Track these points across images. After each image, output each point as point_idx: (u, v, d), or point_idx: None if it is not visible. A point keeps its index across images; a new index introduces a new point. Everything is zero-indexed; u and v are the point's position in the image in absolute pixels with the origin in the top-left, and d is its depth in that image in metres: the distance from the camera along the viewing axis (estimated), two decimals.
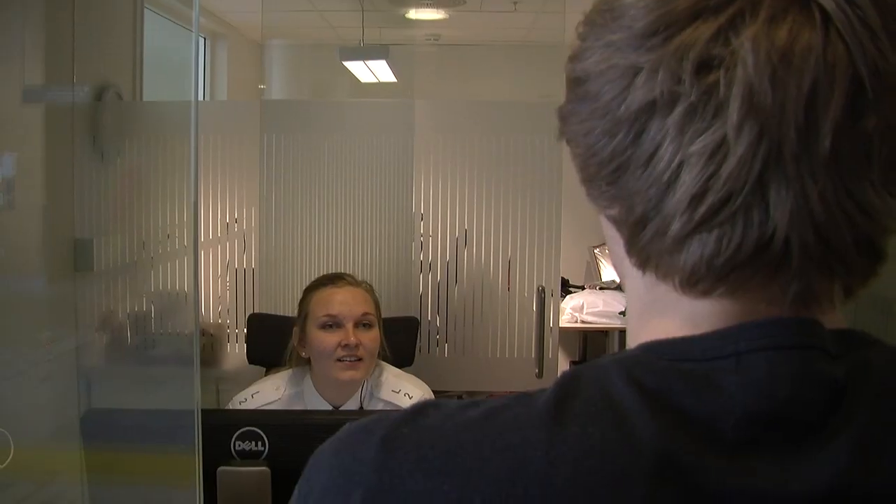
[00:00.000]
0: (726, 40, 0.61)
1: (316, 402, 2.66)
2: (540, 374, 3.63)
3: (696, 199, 0.62)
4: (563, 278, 5.59)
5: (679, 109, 0.62)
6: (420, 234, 3.75)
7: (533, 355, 3.66)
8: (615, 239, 0.73)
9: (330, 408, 2.65)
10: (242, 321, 3.76)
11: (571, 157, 0.74)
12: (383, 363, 2.80)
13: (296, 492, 0.73)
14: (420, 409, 0.70)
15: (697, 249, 0.64)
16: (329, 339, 2.62)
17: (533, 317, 3.66)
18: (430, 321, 3.72)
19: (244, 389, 2.77)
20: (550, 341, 3.67)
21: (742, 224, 0.62)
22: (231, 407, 2.70)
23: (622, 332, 6.26)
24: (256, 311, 3.68)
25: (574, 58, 0.71)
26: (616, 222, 0.70)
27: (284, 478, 1.90)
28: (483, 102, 3.99)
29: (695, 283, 0.66)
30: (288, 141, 3.73)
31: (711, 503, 0.60)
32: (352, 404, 2.66)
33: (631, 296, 0.75)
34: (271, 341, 2.98)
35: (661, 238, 0.65)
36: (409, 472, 0.64)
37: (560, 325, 3.79)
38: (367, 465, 0.66)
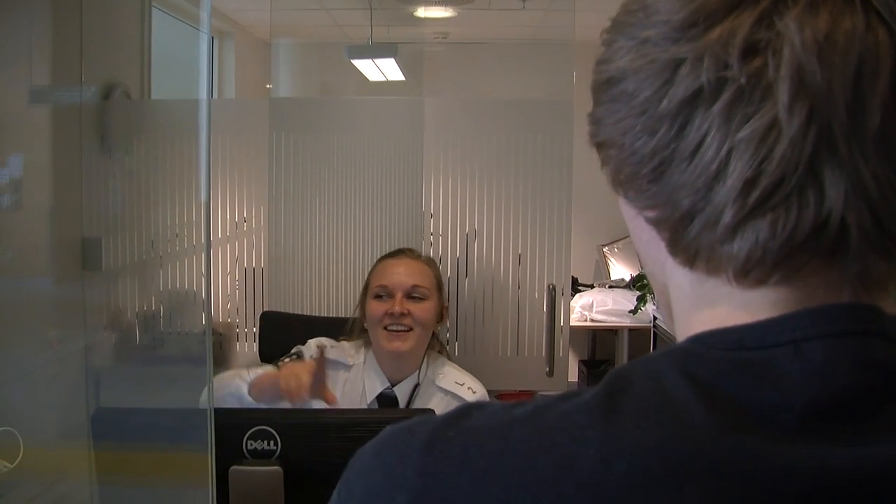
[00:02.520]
0: (770, 24, 0.61)
1: (374, 375, 2.70)
2: (550, 373, 3.62)
3: (749, 184, 0.61)
4: (572, 277, 5.58)
5: (726, 96, 0.62)
6: (429, 232, 3.73)
7: (543, 354, 3.65)
8: (652, 242, 0.72)
9: (387, 384, 2.67)
10: (252, 320, 3.76)
11: (603, 162, 0.74)
12: (447, 359, 2.82)
13: (335, 496, 0.71)
14: (464, 410, 0.68)
15: (752, 235, 0.63)
16: (378, 307, 2.67)
17: (543, 315, 3.65)
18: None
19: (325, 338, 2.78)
20: (560, 340, 3.66)
21: (797, 206, 0.61)
22: (314, 344, 2.71)
23: (631, 330, 6.27)
24: (265, 309, 3.67)
25: (604, 60, 0.71)
26: (657, 223, 0.70)
27: (297, 477, 1.89)
28: (492, 100, 3.97)
29: (749, 271, 0.64)
30: (296, 139, 3.72)
31: (775, 496, 0.58)
32: (408, 384, 2.68)
33: (676, 296, 0.74)
34: (284, 339, 2.98)
35: (711, 229, 0.64)
36: (455, 475, 0.63)
37: (570, 324, 3.77)
38: (411, 469, 0.65)
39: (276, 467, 1.88)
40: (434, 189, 3.67)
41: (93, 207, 3.45)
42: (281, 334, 3.40)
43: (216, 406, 1.97)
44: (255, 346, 3.56)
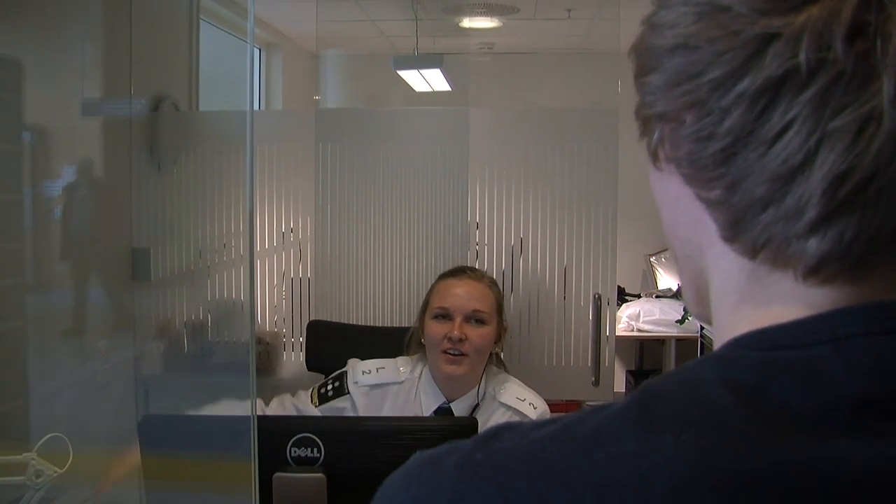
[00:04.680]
0: (881, 5, 0.57)
1: (431, 391, 2.66)
2: (596, 383, 3.61)
3: (840, 179, 0.57)
4: (619, 287, 5.56)
5: (822, 80, 0.57)
6: (476, 242, 3.74)
7: (589, 364, 3.63)
8: (699, 224, 0.67)
9: (444, 399, 2.64)
10: (298, 330, 3.78)
11: (647, 134, 0.69)
12: (508, 374, 2.79)
13: None
14: (493, 433, 0.65)
15: (836, 233, 0.59)
16: (438, 329, 2.62)
17: (589, 325, 3.64)
18: None
19: (368, 360, 2.75)
20: (607, 350, 3.64)
21: (886, 204, 0.58)
22: (352, 370, 2.69)
23: (679, 340, 6.22)
24: (312, 319, 3.69)
25: (665, 24, 0.65)
26: (715, 205, 0.64)
27: (340, 484, 1.90)
28: (538, 110, 3.98)
29: (822, 269, 0.61)
30: (343, 150, 3.74)
31: (833, 496, 0.55)
32: (467, 401, 2.64)
33: (721, 285, 0.69)
34: (330, 348, 2.99)
35: (789, 222, 0.60)
36: (489, 499, 0.60)
37: (616, 334, 3.75)
38: (443, 496, 0.62)
39: (319, 474, 1.89)
40: (480, 199, 3.67)
41: (142, 218, 3.50)
42: (327, 343, 3.43)
43: None
44: (302, 356, 3.58)
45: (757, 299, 0.65)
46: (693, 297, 0.75)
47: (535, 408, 2.64)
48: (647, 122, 0.69)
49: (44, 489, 1.83)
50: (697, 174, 0.64)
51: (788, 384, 0.59)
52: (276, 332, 3.88)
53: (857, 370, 0.58)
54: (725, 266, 0.67)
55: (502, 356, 2.86)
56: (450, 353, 2.59)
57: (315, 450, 1.91)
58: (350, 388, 2.65)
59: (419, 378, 2.69)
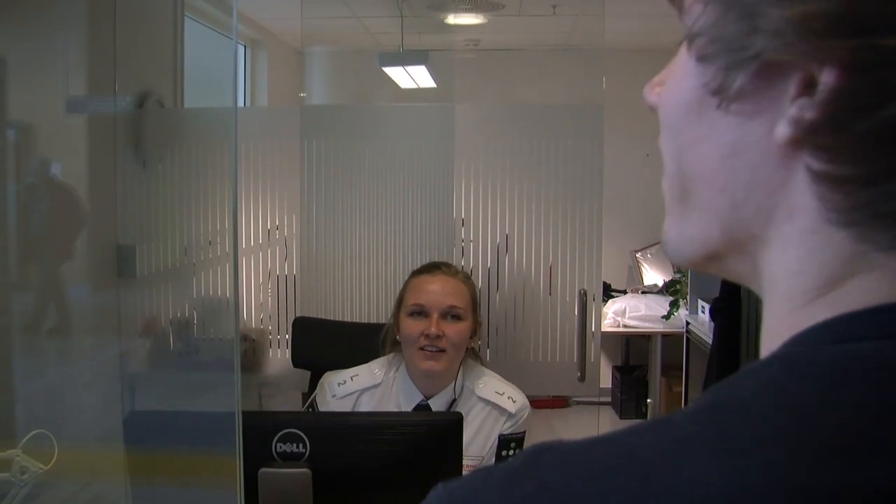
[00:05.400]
0: None
1: (408, 389, 2.67)
2: (582, 379, 3.62)
3: None
4: (604, 283, 5.57)
5: None
6: (461, 239, 3.74)
7: (575, 360, 3.64)
8: (780, 190, 0.57)
9: (421, 397, 2.65)
10: (284, 327, 3.78)
11: (743, 76, 0.56)
12: (485, 368, 2.80)
13: None
14: (534, 458, 0.55)
15: None
16: (414, 326, 2.63)
17: (575, 321, 3.65)
18: None
19: (341, 371, 2.76)
20: (593, 345, 3.65)
21: None
22: (327, 386, 2.71)
23: (665, 336, 6.25)
24: (298, 315, 3.69)
25: None
26: (839, 181, 0.54)
27: (326, 479, 1.90)
28: (523, 107, 3.98)
29: None
30: (328, 146, 3.74)
31: None
32: (444, 397, 2.66)
33: (798, 265, 0.57)
34: (316, 345, 3.00)
35: None
36: None
37: (602, 330, 3.77)
38: None
39: (305, 469, 1.89)
40: (465, 195, 3.68)
41: (127, 215, 3.49)
42: (313, 340, 3.43)
43: None
44: (288, 352, 3.58)
45: (857, 287, 0.55)
46: (708, 249, 0.64)
47: (514, 401, 2.66)
48: (729, 52, 0.56)
49: (29, 486, 1.83)
50: (835, 145, 0.53)
51: (881, 380, 0.51)
52: (262, 329, 3.88)
53: None
54: (814, 248, 0.56)
55: (479, 350, 2.87)
56: (427, 350, 2.60)
57: (300, 445, 1.92)
58: (329, 403, 2.67)
59: (395, 378, 2.70)
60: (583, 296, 3.62)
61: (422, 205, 3.71)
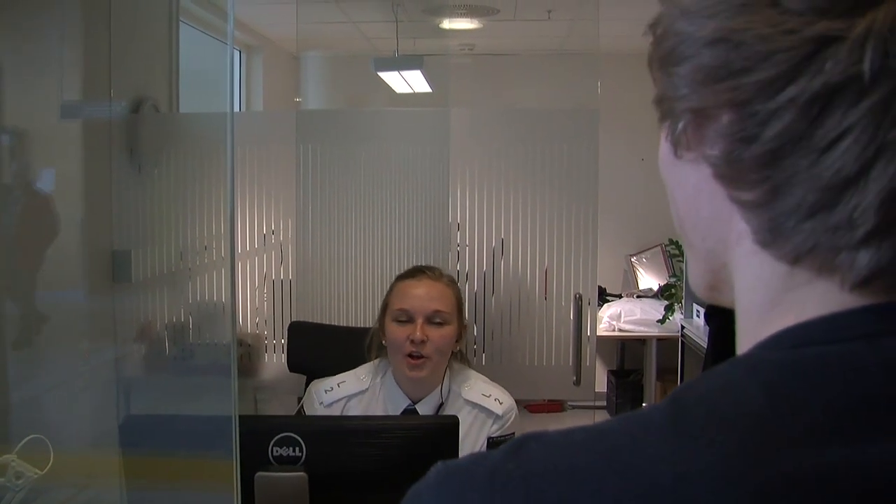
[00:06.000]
0: None
1: (395, 394, 2.68)
2: (577, 382, 3.62)
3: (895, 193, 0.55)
4: (600, 287, 5.59)
5: (883, 89, 0.54)
6: (457, 243, 3.74)
7: (570, 364, 3.65)
8: (729, 221, 0.64)
9: (408, 402, 2.66)
10: (280, 331, 3.78)
11: (672, 125, 0.66)
12: (471, 370, 2.81)
13: None
14: (520, 443, 0.62)
15: (892, 246, 0.57)
16: (399, 332, 2.64)
17: (570, 325, 3.65)
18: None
19: (328, 378, 2.77)
20: (588, 350, 3.66)
21: None
22: (314, 394, 2.72)
23: (660, 340, 6.25)
24: (293, 320, 3.69)
25: (697, 12, 0.61)
26: (753, 207, 0.61)
27: (322, 483, 1.90)
28: (518, 111, 3.99)
29: (873, 280, 0.58)
30: (324, 151, 3.75)
31: (879, 498, 0.52)
32: (431, 400, 2.67)
33: (750, 285, 0.65)
34: (311, 349, 3.00)
35: (838, 233, 0.57)
36: None
37: (597, 334, 3.77)
38: None
39: (301, 473, 1.89)
40: (461, 200, 3.68)
41: (122, 220, 3.49)
42: (309, 345, 3.43)
43: None
44: (284, 357, 3.58)
45: (792, 302, 0.62)
46: (706, 282, 0.72)
47: (500, 403, 2.67)
48: (675, 117, 0.65)
49: (24, 490, 1.83)
50: (734, 174, 0.61)
51: (822, 381, 0.56)
52: (258, 333, 3.88)
53: (893, 367, 0.56)
54: (756, 268, 0.64)
55: (465, 352, 2.88)
56: (412, 357, 2.60)
57: (297, 449, 1.92)
58: (316, 411, 2.68)
59: (382, 383, 2.71)
60: (578, 300, 3.62)
61: (417, 209, 3.71)
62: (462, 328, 2.76)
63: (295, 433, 1.92)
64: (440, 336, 2.64)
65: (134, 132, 3.59)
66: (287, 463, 1.92)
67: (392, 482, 1.92)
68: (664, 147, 0.69)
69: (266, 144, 3.75)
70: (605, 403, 6.92)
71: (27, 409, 2.84)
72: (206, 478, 2.01)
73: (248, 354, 3.76)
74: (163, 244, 3.63)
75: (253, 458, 1.89)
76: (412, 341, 2.60)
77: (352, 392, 2.70)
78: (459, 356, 2.81)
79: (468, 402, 2.67)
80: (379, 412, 2.67)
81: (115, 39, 3.36)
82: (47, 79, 3.14)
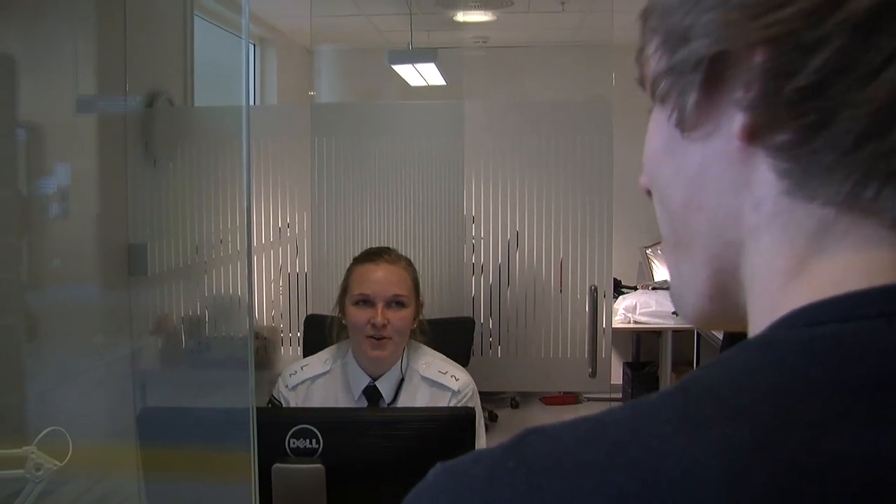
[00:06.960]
0: None
1: (356, 373, 2.75)
2: (593, 374, 3.62)
3: None
4: (615, 279, 5.57)
5: None
6: (472, 236, 3.74)
7: (586, 356, 3.65)
8: (743, 185, 0.61)
9: (369, 379, 2.72)
10: (296, 324, 3.79)
11: (692, 95, 0.62)
12: (427, 348, 2.86)
13: None
14: (521, 438, 0.59)
15: None
16: (360, 316, 2.70)
17: (585, 317, 3.65)
18: (482, 323, 3.72)
19: (295, 362, 2.88)
20: (603, 342, 3.66)
21: None
22: (281, 378, 2.80)
23: (675, 332, 6.23)
24: (309, 313, 3.69)
25: None
26: (785, 150, 0.58)
27: (339, 474, 1.91)
28: (532, 103, 3.99)
29: None
30: (338, 144, 3.75)
31: (892, 490, 0.49)
32: (391, 377, 2.73)
33: (770, 256, 0.61)
34: (327, 342, 3.01)
35: (892, 158, 0.55)
36: None
37: (613, 326, 3.77)
38: None
39: (318, 465, 1.90)
40: (475, 192, 3.69)
41: (138, 214, 3.50)
42: (324, 338, 3.43)
43: None
44: (300, 350, 3.59)
45: (828, 256, 0.58)
46: (707, 289, 0.68)
47: (456, 379, 2.74)
48: (677, 79, 0.62)
49: (44, 482, 1.84)
50: (771, 115, 0.57)
51: (838, 362, 0.53)
52: (274, 326, 3.89)
53: None
54: (778, 231, 0.60)
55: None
56: (373, 338, 2.67)
57: (313, 441, 1.93)
58: (282, 393, 2.76)
59: (344, 363, 2.79)
60: (593, 292, 3.62)
61: (432, 202, 3.71)
62: (419, 307, 2.84)
63: (311, 425, 1.93)
64: (399, 318, 2.71)
65: (149, 126, 3.59)
66: (304, 455, 1.92)
67: (408, 474, 1.91)
68: (660, 135, 0.67)
69: (280, 138, 3.76)
70: (620, 395, 6.91)
71: (44, 402, 2.86)
72: (223, 470, 2.01)
73: (263, 347, 3.78)
74: (178, 238, 3.63)
75: (270, 450, 1.89)
76: (373, 325, 2.67)
77: (315, 374, 2.78)
78: (417, 334, 2.87)
79: (425, 378, 2.74)
80: (341, 392, 2.74)
81: (129, 34, 3.37)
82: (62, 73, 3.15)
